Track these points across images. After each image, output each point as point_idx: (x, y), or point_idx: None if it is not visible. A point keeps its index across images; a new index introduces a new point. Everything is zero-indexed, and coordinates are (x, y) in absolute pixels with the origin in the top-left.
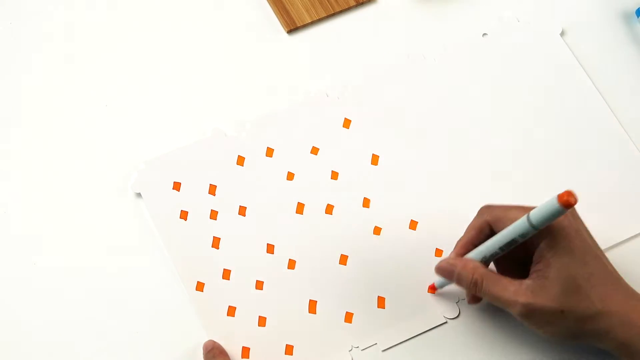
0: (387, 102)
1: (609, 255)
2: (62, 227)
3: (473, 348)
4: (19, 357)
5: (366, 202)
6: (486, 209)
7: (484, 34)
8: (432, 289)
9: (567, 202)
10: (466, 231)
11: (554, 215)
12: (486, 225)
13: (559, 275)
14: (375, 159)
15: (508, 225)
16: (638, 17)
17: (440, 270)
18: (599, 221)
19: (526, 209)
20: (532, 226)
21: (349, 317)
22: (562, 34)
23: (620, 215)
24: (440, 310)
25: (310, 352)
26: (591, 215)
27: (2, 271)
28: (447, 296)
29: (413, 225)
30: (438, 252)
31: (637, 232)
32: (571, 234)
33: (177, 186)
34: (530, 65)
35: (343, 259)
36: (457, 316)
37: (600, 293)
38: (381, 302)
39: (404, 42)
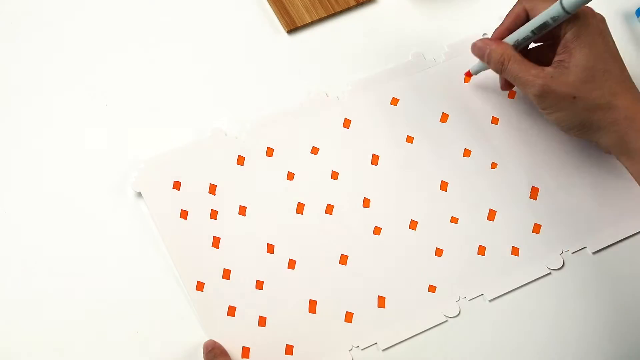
0: (387, 102)
1: (612, 251)
2: (62, 227)
3: (473, 346)
4: (18, 357)
5: (366, 202)
6: None
7: (484, 34)
8: (468, 75)
9: None
10: (504, 18)
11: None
12: (523, 11)
13: (578, 64)
14: (375, 159)
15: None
16: (638, 17)
17: (475, 48)
18: (599, 219)
19: None
20: (564, 10)
21: (349, 316)
22: None
23: (620, 214)
24: (440, 309)
25: (310, 352)
26: (591, 213)
27: (2, 271)
28: (447, 295)
29: (413, 225)
30: (438, 252)
31: (637, 230)
32: (596, 32)
33: (177, 185)
34: None
35: (343, 259)
36: (458, 315)
37: (613, 88)
38: (381, 301)
39: (404, 42)
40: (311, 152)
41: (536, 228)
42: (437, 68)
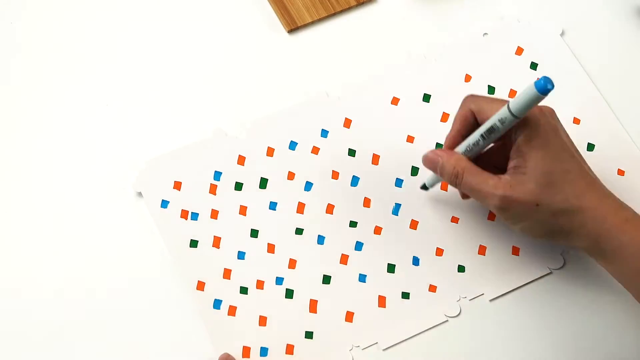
0: (387, 102)
1: None
2: (62, 227)
3: (474, 346)
4: (18, 358)
5: (367, 202)
6: (470, 99)
7: (484, 34)
8: (423, 189)
9: (544, 88)
10: (453, 123)
11: (533, 101)
12: (470, 114)
13: (535, 169)
14: (375, 159)
15: (491, 115)
16: None
17: (427, 160)
18: None
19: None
20: (512, 114)
21: (349, 316)
22: (562, 34)
23: None
24: (441, 308)
25: (310, 352)
26: None
27: (3, 271)
28: (448, 295)
29: (414, 224)
30: (439, 251)
31: None
32: (548, 131)
33: (177, 185)
34: (530, 65)
35: (344, 259)
36: (458, 315)
37: (575, 189)
38: (382, 301)
39: (404, 42)
40: (311, 152)
41: None
42: (437, 68)
